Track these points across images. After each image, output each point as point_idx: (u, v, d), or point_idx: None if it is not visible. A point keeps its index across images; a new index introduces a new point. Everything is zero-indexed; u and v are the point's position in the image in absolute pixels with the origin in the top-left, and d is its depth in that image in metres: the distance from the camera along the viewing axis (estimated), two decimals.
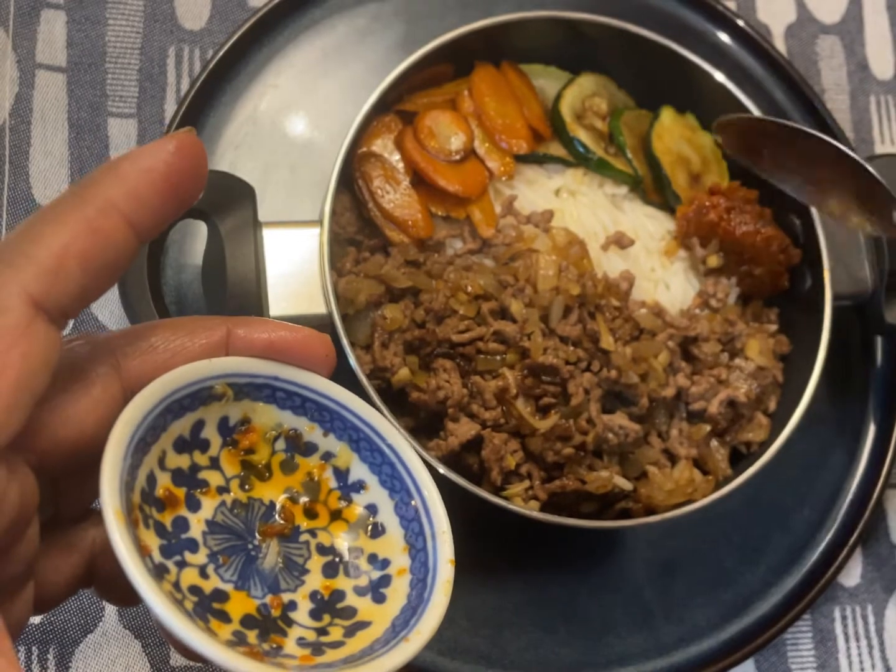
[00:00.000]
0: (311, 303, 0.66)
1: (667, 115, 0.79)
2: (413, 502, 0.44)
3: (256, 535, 0.42)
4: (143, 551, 0.37)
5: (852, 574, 0.84)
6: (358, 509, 0.45)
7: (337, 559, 0.43)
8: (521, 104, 0.77)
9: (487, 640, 0.74)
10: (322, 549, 0.43)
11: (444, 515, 0.43)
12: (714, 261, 0.76)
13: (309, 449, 0.45)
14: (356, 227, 0.73)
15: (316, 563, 0.43)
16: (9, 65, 0.77)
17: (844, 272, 0.75)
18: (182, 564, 0.39)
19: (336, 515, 0.44)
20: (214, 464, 0.43)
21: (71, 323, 0.74)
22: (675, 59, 0.77)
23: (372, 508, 0.45)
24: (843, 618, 0.83)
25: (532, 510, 0.66)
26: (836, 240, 0.73)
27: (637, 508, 0.70)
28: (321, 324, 0.66)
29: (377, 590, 0.43)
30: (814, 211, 0.75)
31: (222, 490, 0.42)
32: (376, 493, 0.45)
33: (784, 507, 0.82)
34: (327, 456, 0.45)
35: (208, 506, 0.42)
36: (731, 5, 0.91)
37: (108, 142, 0.78)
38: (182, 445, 0.42)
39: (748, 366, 0.73)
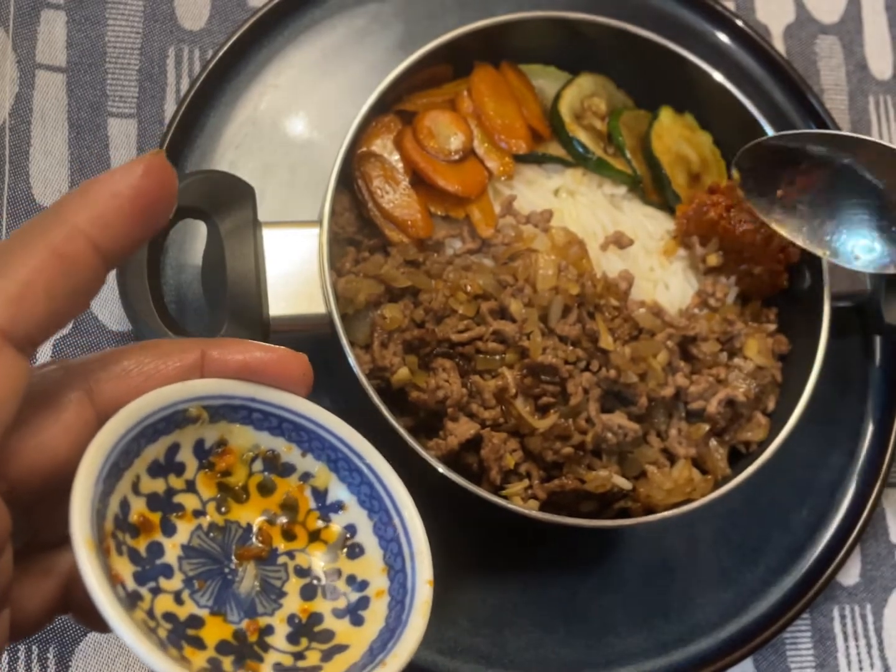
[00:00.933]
0: (310, 302, 0.66)
1: (666, 115, 0.79)
2: (392, 522, 0.43)
3: (233, 558, 0.42)
4: (114, 580, 0.37)
5: (851, 573, 0.84)
6: (336, 530, 0.44)
7: (315, 581, 0.43)
8: (520, 104, 0.77)
9: (487, 639, 0.75)
10: (300, 572, 0.43)
11: (423, 535, 0.43)
12: (713, 259, 0.76)
13: (287, 470, 0.44)
14: (356, 226, 0.73)
15: (294, 585, 0.43)
16: (9, 65, 0.77)
17: (843, 272, 0.75)
18: (156, 591, 0.39)
19: (315, 536, 0.44)
20: (190, 487, 0.42)
21: (70, 324, 0.74)
22: (674, 59, 0.77)
23: (351, 529, 0.44)
24: (842, 617, 0.83)
25: (531, 509, 0.66)
26: None
27: (636, 508, 0.70)
28: (321, 323, 0.66)
29: (355, 612, 0.42)
30: None
31: (198, 513, 0.42)
32: (355, 513, 0.44)
33: (783, 507, 0.82)
34: (305, 476, 0.44)
35: (184, 530, 0.41)
36: (730, 5, 0.91)
37: (108, 142, 0.78)
38: (157, 469, 0.41)
39: (747, 365, 0.73)
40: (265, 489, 0.44)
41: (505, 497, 0.67)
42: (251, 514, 0.43)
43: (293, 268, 0.66)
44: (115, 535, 0.38)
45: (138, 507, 0.40)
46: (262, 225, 0.67)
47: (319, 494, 0.44)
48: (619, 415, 0.69)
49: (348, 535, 0.44)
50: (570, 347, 0.68)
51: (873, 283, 0.77)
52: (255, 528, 0.43)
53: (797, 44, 0.93)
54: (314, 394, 0.75)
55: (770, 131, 0.75)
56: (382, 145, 0.74)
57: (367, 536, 0.44)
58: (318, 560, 0.43)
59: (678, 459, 0.71)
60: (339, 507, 0.44)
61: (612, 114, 0.79)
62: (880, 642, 0.83)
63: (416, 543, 0.43)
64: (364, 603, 0.43)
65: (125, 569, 0.38)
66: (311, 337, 0.68)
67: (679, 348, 0.73)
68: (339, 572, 0.43)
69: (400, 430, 0.64)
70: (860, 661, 0.82)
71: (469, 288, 0.68)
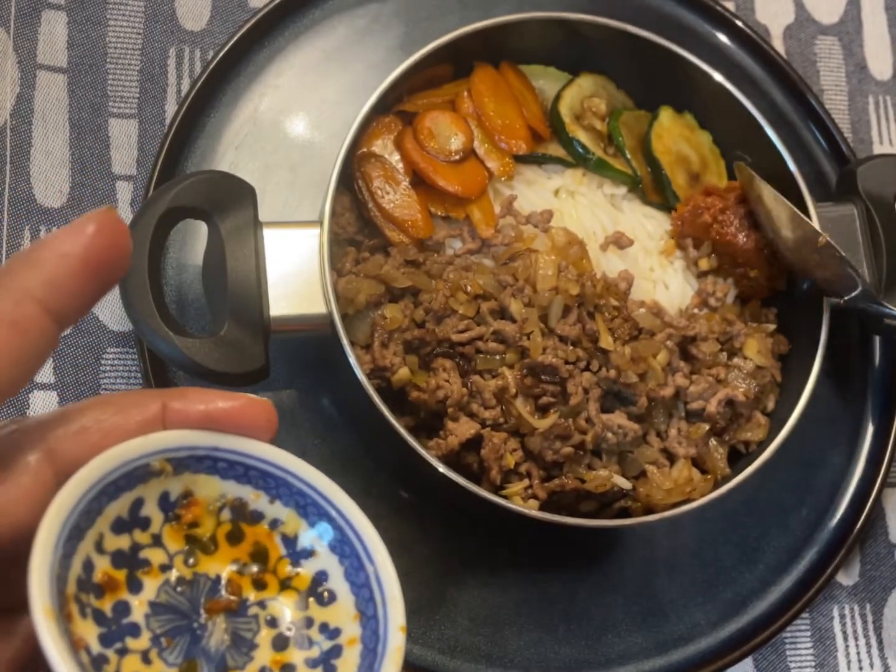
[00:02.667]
0: (311, 303, 0.66)
1: (665, 115, 0.79)
2: (364, 567, 0.43)
3: (202, 612, 0.41)
4: (77, 645, 0.36)
5: (851, 573, 0.84)
6: (308, 576, 0.43)
7: (287, 631, 0.42)
8: (520, 105, 0.77)
9: (487, 638, 0.75)
10: (271, 622, 0.42)
11: (395, 579, 0.42)
12: (705, 264, 0.76)
13: (255, 517, 0.44)
14: (356, 227, 0.73)
15: (265, 636, 0.42)
16: (10, 65, 0.77)
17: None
18: (123, 651, 0.38)
19: (285, 584, 0.43)
20: (157, 541, 0.41)
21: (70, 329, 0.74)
22: (673, 59, 0.77)
23: (322, 575, 0.43)
24: (842, 616, 0.83)
25: (531, 509, 0.66)
26: (835, 239, 0.73)
27: (636, 507, 0.70)
28: (321, 323, 0.66)
29: (327, 661, 0.42)
30: (813, 212, 0.75)
31: (165, 568, 0.41)
32: (326, 559, 0.43)
33: (783, 507, 0.82)
34: (274, 523, 0.44)
35: (151, 586, 0.40)
36: (730, 6, 0.91)
37: (109, 142, 0.78)
38: (121, 526, 0.40)
39: (747, 365, 0.74)
40: (234, 538, 0.43)
41: (505, 497, 0.67)
42: (220, 565, 0.42)
43: (294, 268, 0.66)
44: (79, 597, 0.37)
45: (102, 565, 0.39)
46: (262, 225, 0.67)
47: (289, 541, 0.44)
48: (619, 415, 0.69)
49: (320, 582, 0.43)
50: (570, 347, 0.68)
51: (873, 283, 0.77)
52: (224, 580, 0.42)
53: (797, 44, 0.94)
54: (315, 395, 0.76)
55: (770, 131, 0.75)
56: (383, 146, 0.74)
57: (338, 582, 0.43)
58: (289, 608, 0.43)
59: (678, 459, 0.72)
60: (309, 552, 0.44)
61: (612, 114, 0.79)
62: (880, 642, 0.83)
63: (388, 588, 0.42)
64: (336, 651, 0.42)
65: (90, 632, 0.37)
66: (311, 337, 0.68)
67: (679, 348, 0.73)
68: (311, 620, 0.43)
69: (400, 430, 0.64)
70: (860, 661, 0.82)
71: (469, 288, 0.68)
